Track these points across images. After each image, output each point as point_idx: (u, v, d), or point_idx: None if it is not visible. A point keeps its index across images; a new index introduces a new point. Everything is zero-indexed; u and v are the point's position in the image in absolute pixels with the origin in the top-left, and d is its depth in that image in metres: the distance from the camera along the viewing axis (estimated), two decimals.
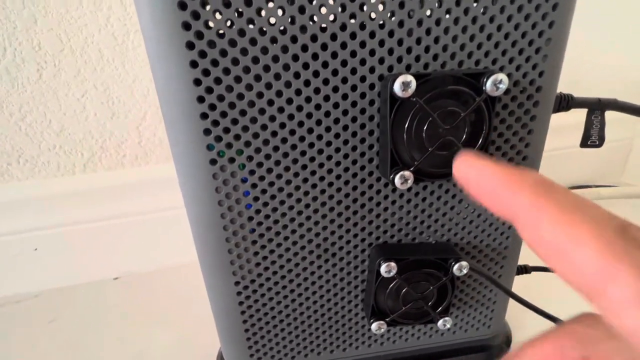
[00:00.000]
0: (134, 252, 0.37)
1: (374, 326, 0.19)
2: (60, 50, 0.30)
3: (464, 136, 0.15)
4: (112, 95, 0.32)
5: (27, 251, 0.34)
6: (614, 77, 0.44)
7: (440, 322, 0.20)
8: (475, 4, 0.15)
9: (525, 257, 0.24)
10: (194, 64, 0.14)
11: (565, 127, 0.43)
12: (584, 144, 0.23)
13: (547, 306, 0.27)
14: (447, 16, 0.15)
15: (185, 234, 0.38)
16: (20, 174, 0.33)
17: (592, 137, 0.23)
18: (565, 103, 0.20)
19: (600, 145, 0.23)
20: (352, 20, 0.14)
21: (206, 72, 0.14)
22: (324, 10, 0.14)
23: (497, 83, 0.14)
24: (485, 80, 0.14)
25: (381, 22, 0.15)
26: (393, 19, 0.14)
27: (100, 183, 0.35)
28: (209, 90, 0.15)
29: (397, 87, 0.14)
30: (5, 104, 0.31)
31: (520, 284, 0.26)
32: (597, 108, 0.22)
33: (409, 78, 0.13)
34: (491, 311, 0.23)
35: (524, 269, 0.25)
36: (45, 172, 0.34)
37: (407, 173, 0.15)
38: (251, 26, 0.14)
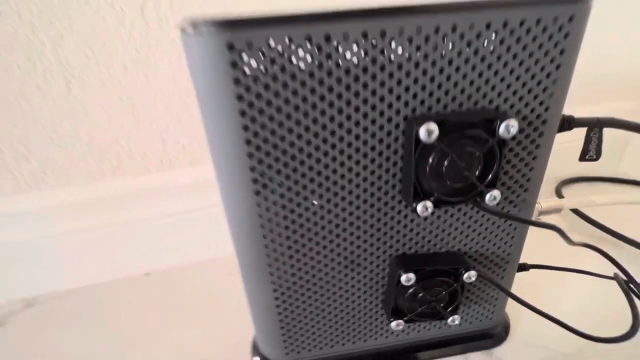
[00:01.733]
0: (161, 250, 0.40)
1: (393, 325, 0.22)
2: (86, 65, 0.31)
3: (478, 171, 0.17)
4: (136, 107, 0.34)
5: (65, 252, 0.37)
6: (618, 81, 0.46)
7: (450, 319, 0.23)
8: (491, 54, 0.17)
9: (525, 256, 0.27)
10: (239, 97, 0.16)
11: None
12: (582, 158, 0.25)
13: (542, 299, 0.30)
14: (465, 64, 0.17)
15: (207, 233, 0.41)
16: (55, 182, 0.35)
17: (590, 152, 0.25)
18: (567, 124, 0.22)
19: (597, 159, 0.25)
20: (381, 71, 0.16)
21: (250, 105, 0.16)
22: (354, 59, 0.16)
23: (509, 127, 0.16)
24: (498, 124, 0.16)
25: (407, 71, 0.16)
26: (417, 69, 0.16)
27: (128, 188, 0.37)
28: (253, 119, 0.17)
29: (422, 133, 0.16)
30: (38, 118, 0.32)
31: (520, 280, 0.29)
32: (596, 126, 0.24)
33: (433, 126, 0.15)
34: (493, 306, 0.26)
35: (524, 267, 0.28)
36: (76, 180, 0.36)
37: (428, 203, 0.17)
38: (283, 73, 0.16)
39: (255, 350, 0.28)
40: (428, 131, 0.16)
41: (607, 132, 0.25)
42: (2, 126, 0.32)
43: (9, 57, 0.30)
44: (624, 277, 0.25)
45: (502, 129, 0.16)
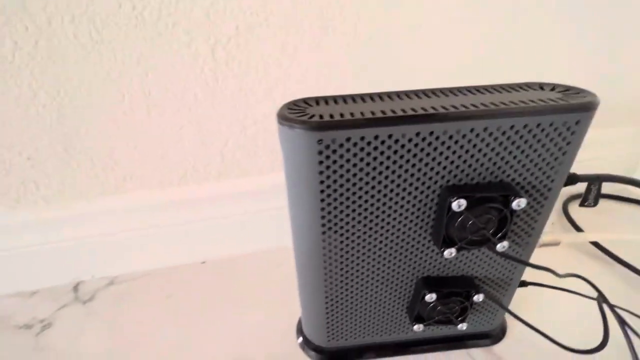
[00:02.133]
0: (216, 244, 0.47)
1: (415, 327, 0.29)
2: (165, 96, 0.37)
3: (492, 229, 0.23)
4: (202, 128, 0.40)
5: (140, 243, 0.45)
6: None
7: (459, 326, 0.30)
8: (512, 144, 0.22)
9: (526, 274, 0.33)
10: (320, 177, 0.22)
11: None
12: (582, 204, 0.30)
13: (535, 311, 0.36)
14: (491, 151, 0.22)
15: (255, 230, 0.48)
16: (133, 187, 0.42)
17: (589, 200, 0.30)
18: (572, 180, 0.28)
19: (594, 206, 0.30)
20: (426, 155, 0.22)
21: (328, 177, 0.22)
22: None
23: (520, 203, 0.22)
24: (512, 199, 0.22)
25: (446, 156, 0.22)
26: (454, 155, 0.22)
27: (192, 194, 0.44)
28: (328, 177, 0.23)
29: (454, 205, 0.21)
30: (123, 137, 0.39)
31: (519, 294, 0.35)
32: (595, 181, 0.29)
33: (463, 202, 0.21)
34: (494, 315, 0.33)
35: (523, 283, 0.34)
36: (150, 185, 0.43)
37: (453, 250, 0.23)
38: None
39: (300, 332, 0.36)
40: (459, 204, 0.21)
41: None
42: (95, 142, 0.39)
43: (102, 90, 0.36)
44: (603, 300, 0.31)
45: (514, 204, 0.22)
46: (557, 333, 0.29)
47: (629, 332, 0.28)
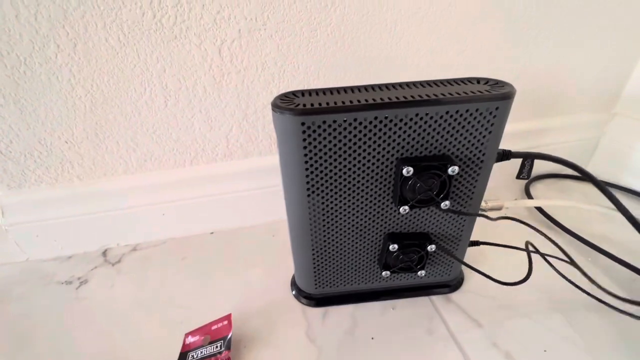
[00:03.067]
0: (223, 217, 0.55)
1: (383, 274, 0.37)
2: (178, 88, 0.44)
3: (435, 190, 0.30)
4: (210, 116, 0.47)
5: (158, 215, 0.53)
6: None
7: (419, 273, 0.37)
8: (448, 125, 0.29)
9: (481, 236, 0.41)
10: (304, 147, 0.29)
11: (533, 131, 0.56)
12: (518, 177, 0.37)
13: (486, 263, 0.44)
14: (432, 130, 0.29)
15: (255, 205, 0.55)
16: (152, 167, 0.50)
17: (524, 174, 0.37)
18: (506, 156, 0.35)
19: (528, 178, 0.37)
20: (384, 134, 0.29)
21: (310, 147, 0.29)
22: None
23: (453, 169, 0.29)
24: (448, 166, 0.29)
25: (399, 134, 0.29)
26: (405, 133, 0.29)
27: (201, 173, 0.51)
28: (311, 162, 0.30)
29: (404, 171, 0.29)
30: (144, 124, 0.46)
31: (474, 251, 0.43)
32: (527, 157, 0.36)
33: (410, 168, 0.28)
34: (450, 267, 0.40)
35: (476, 243, 0.42)
36: (166, 166, 0.50)
37: (406, 207, 0.31)
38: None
39: (293, 285, 0.44)
40: (407, 170, 0.29)
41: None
42: (121, 128, 0.46)
43: (127, 84, 0.43)
44: (531, 246, 0.38)
45: (450, 170, 0.29)
46: (500, 278, 0.36)
47: (550, 262, 0.35)
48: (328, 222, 0.34)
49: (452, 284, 0.42)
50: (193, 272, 0.48)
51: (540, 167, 0.63)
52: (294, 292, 0.43)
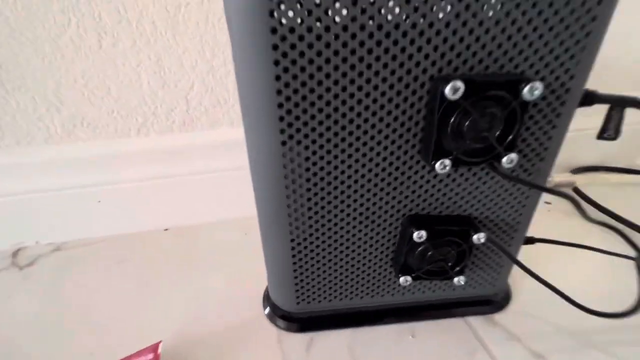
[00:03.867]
0: (181, 207, 0.42)
1: (401, 280, 0.24)
2: (118, 22, 0.32)
3: (498, 132, 0.18)
4: (163, 66, 0.35)
5: (92, 203, 0.39)
6: None
7: (455, 280, 0.24)
8: (522, 16, 0.17)
9: (531, 231, 0.28)
10: (275, 47, 0.17)
11: (581, 110, 0.44)
12: (600, 136, 0.25)
13: (544, 272, 0.31)
14: (495, 26, 0.17)
15: (226, 194, 0.42)
16: (84, 135, 0.37)
17: (609, 130, 0.25)
18: (590, 99, 0.23)
19: (615, 138, 0.25)
20: (412, 29, 0.17)
21: (284, 55, 0.17)
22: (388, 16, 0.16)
23: (533, 90, 0.17)
24: (523, 86, 0.17)
25: (438, 29, 0.17)
26: (447, 28, 0.17)
27: (152, 146, 0.39)
28: (285, 69, 0.17)
29: (448, 90, 0.16)
30: (70, 71, 0.34)
31: (525, 253, 0.30)
32: (618, 104, 0.24)
33: (459, 84, 0.16)
34: (497, 273, 0.27)
35: (530, 240, 0.29)
36: (105, 134, 0.38)
37: (447, 160, 0.18)
38: (318, 24, 0.16)
39: (267, 301, 0.30)
40: (454, 88, 0.16)
41: (626, 125, 0.25)
42: (37, 77, 0.33)
43: (44, 8, 0.31)
44: None
45: (526, 91, 0.17)
46: (570, 293, 0.23)
47: None
48: (317, 192, 0.21)
49: (497, 300, 0.29)
50: (129, 281, 0.35)
51: (578, 155, 0.51)
52: (267, 311, 0.30)
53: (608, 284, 0.32)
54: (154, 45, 0.34)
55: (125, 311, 0.31)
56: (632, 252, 0.32)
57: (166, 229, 0.42)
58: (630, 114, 0.25)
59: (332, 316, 0.28)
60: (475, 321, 0.28)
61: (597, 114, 0.25)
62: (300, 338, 0.28)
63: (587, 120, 0.43)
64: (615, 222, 0.38)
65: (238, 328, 0.29)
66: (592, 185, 0.37)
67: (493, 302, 0.29)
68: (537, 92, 0.17)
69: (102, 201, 0.40)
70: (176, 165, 0.40)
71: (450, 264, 0.23)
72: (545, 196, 0.45)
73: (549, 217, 0.42)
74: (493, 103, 0.17)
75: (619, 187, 0.44)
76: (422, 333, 0.28)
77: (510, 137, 0.18)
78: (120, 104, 0.36)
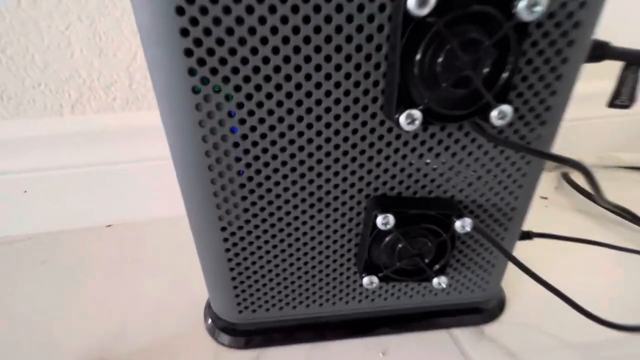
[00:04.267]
0: (127, 201, 0.36)
1: (365, 280, 0.18)
2: None
3: (485, 73, 0.13)
4: (98, 30, 0.30)
5: (16, 193, 0.34)
6: None
7: (435, 281, 0.19)
8: None
9: (529, 222, 0.23)
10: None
11: (586, 96, 0.40)
12: (612, 103, 0.21)
13: (545, 274, 0.26)
14: None
15: (176, 187, 0.36)
16: (5, 112, 0.31)
17: (623, 96, 0.20)
18: (600, 52, 0.18)
19: (629, 106, 0.21)
20: None
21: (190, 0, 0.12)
22: None
23: (532, 6, 0.12)
24: (517, 1, 0.12)
25: None
26: None
27: (90, 126, 0.33)
28: (194, 21, 0.12)
29: (412, 2, 0.11)
30: None
31: (521, 250, 0.25)
32: (634, 62, 0.19)
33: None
34: (488, 274, 0.22)
35: (527, 235, 0.24)
36: (31, 112, 0.32)
37: (415, 112, 0.13)
38: None
39: (209, 310, 0.24)
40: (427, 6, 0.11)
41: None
42: None
43: None
44: None
45: (522, 7, 0.12)
46: (577, 298, 0.18)
47: None
48: (250, 164, 0.16)
49: (488, 307, 0.24)
50: (45, 285, 0.29)
51: (588, 143, 0.46)
52: (207, 322, 0.24)
53: (619, 286, 0.27)
54: (85, 5, 0.29)
55: (40, 321, 0.25)
56: None
57: (109, 225, 0.37)
58: None
59: (285, 328, 0.22)
60: (462, 334, 0.23)
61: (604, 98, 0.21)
62: (245, 356, 0.22)
63: (591, 107, 0.38)
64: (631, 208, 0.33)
65: (170, 343, 0.23)
66: (599, 167, 0.32)
67: (483, 310, 0.24)
68: (538, 8, 0.12)
69: (29, 191, 0.34)
70: (120, 151, 0.34)
71: (427, 260, 0.18)
72: (541, 189, 0.40)
73: (547, 212, 0.37)
74: (476, 27, 0.12)
75: (631, 172, 0.39)
76: (395, 349, 0.22)
77: (503, 79, 0.13)
78: (47, 76, 0.31)
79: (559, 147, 0.19)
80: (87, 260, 0.32)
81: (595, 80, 0.30)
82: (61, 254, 0.32)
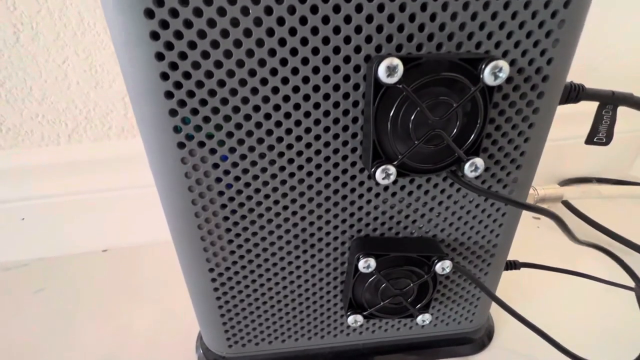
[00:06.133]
0: (122, 226, 0.37)
1: (349, 319, 0.19)
2: (37, 12, 0.28)
3: (455, 130, 0.14)
4: (94, 63, 0.31)
5: (14, 220, 0.34)
6: (635, 65, 0.41)
7: (419, 318, 0.19)
8: None
9: (516, 252, 0.24)
10: (155, 36, 0.12)
11: (570, 115, 0.40)
12: (590, 140, 0.21)
13: (532, 303, 0.26)
14: None
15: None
16: (4, 142, 0.32)
17: (600, 134, 0.21)
18: (575, 94, 0.19)
19: (607, 143, 0.21)
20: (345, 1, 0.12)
21: (169, 46, 0.13)
22: None
23: (496, 71, 0.12)
24: (483, 67, 0.12)
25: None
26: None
27: (86, 155, 0.34)
28: (174, 66, 0.13)
29: (381, 71, 0.12)
30: None
31: (508, 280, 0.25)
32: (609, 102, 0.20)
33: (396, 62, 0.12)
34: (474, 306, 0.22)
35: (513, 265, 0.24)
36: (29, 142, 0.33)
37: (390, 167, 0.14)
38: None
39: (200, 342, 0.25)
40: (389, 68, 0.12)
41: (618, 134, 0.21)
42: None
43: None
44: None
45: (487, 73, 0.12)
46: (564, 335, 0.19)
47: None
48: (234, 209, 0.17)
49: (476, 338, 0.24)
50: (41, 315, 0.29)
51: (568, 166, 0.47)
52: (199, 353, 0.24)
53: (607, 319, 0.27)
54: (81, 40, 0.30)
55: (32, 351, 0.25)
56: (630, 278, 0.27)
57: (104, 250, 0.37)
58: (621, 116, 0.21)
59: None
60: None
61: (588, 119, 0.21)
62: None
63: (575, 128, 0.39)
64: (611, 240, 0.34)
65: None
66: (582, 199, 0.32)
67: (471, 340, 0.24)
68: (501, 75, 0.12)
69: (27, 218, 0.34)
70: (116, 177, 0.35)
71: (411, 298, 0.19)
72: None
73: (539, 234, 0.38)
74: (445, 89, 0.13)
75: (611, 201, 0.40)
76: None
77: (473, 135, 0.14)
78: (45, 107, 0.32)
79: (542, 168, 0.19)
80: (82, 289, 0.32)
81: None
82: (56, 282, 0.33)
